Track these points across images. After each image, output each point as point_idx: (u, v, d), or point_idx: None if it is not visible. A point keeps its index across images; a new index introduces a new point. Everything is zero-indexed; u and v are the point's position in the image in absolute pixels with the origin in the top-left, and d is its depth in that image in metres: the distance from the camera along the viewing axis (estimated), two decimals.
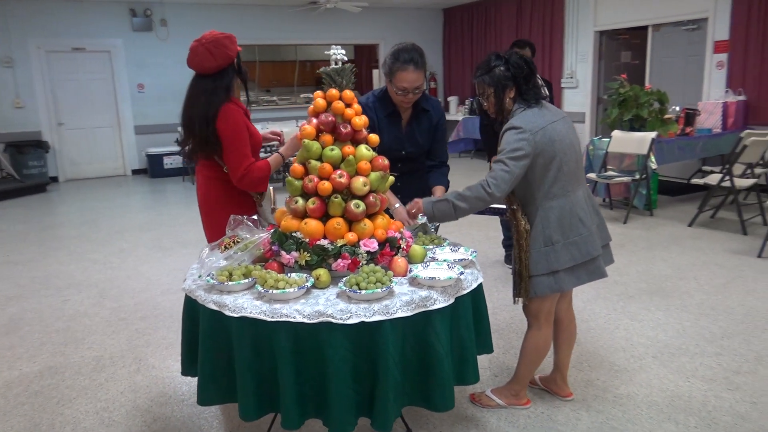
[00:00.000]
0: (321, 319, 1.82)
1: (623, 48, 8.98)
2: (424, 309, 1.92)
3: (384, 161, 2.19)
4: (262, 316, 1.84)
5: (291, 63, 13.91)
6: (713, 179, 5.47)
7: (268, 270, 2.02)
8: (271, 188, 2.79)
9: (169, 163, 9.82)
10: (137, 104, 9.86)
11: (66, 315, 3.87)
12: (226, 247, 2.12)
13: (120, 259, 5.11)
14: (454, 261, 2.17)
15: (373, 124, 2.59)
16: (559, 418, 2.55)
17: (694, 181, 5.83)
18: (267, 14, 10.43)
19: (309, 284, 1.94)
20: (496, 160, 2.21)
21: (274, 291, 1.88)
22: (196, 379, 2.84)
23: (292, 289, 1.89)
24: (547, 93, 3.81)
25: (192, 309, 2.11)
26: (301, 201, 2.11)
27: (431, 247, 2.34)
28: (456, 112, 11.26)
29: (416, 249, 2.22)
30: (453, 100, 11.37)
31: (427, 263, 2.14)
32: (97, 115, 9.71)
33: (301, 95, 12.10)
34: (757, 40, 6.61)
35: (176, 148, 9.64)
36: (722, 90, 7.02)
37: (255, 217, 2.63)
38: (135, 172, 10.13)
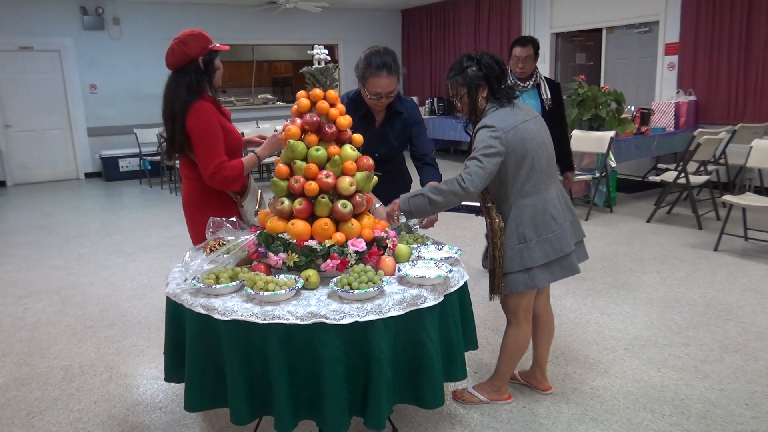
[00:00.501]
0: (314, 320, 1.81)
1: (578, 50, 9.23)
2: (415, 307, 1.93)
3: (369, 161, 2.19)
4: (253, 319, 1.82)
5: (248, 63, 13.73)
6: (669, 176, 5.68)
7: (257, 272, 1.99)
8: (259, 190, 2.76)
9: (124, 165, 9.55)
10: (90, 105, 9.54)
11: (28, 324, 3.72)
12: (211, 250, 2.08)
13: (80, 265, 4.94)
14: (440, 259, 2.19)
15: None
16: (541, 412, 2.60)
17: (651, 178, 6.04)
18: (224, 13, 10.27)
19: (299, 285, 1.92)
20: (471, 157, 2.25)
21: (265, 293, 1.85)
22: (172, 385, 2.82)
23: (282, 291, 1.87)
24: (548, 95, 3.69)
25: (176, 314, 2.06)
26: (287, 202, 2.09)
27: (416, 245, 2.35)
28: None
29: (402, 248, 2.23)
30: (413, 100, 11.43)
31: (415, 262, 2.15)
32: (48, 116, 9.35)
33: (259, 96, 11.96)
34: (706, 43, 6.90)
35: (132, 150, 9.39)
36: (674, 90, 7.30)
37: (234, 219, 2.61)
38: (88, 175, 9.80)
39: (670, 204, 6.06)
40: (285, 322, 1.80)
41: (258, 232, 2.13)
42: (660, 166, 6.96)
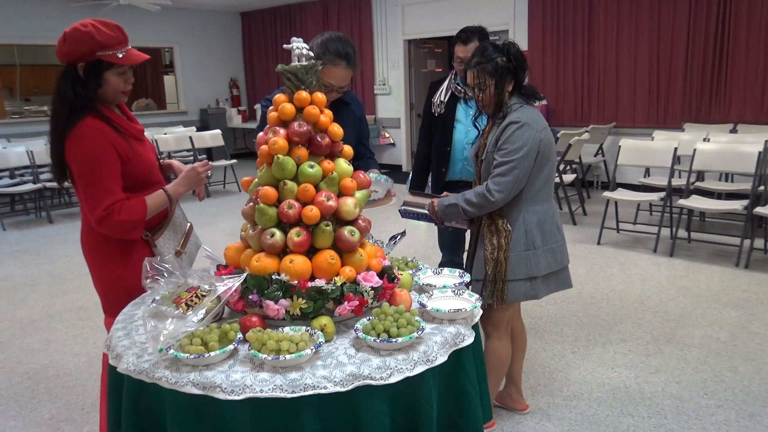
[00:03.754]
0: (357, 384, 1.42)
1: (429, 56, 9.46)
2: (455, 348, 1.63)
3: (366, 176, 1.83)
4: (278, 393, 1.37)
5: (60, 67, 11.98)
6: None
7: (259, 329, 1.53)
8: (187, 224, 2.22)
9: None
10: None
11: None
12: (188, 305, 1.56)
13: None
14: (454, 285, 1.90)
15: None
16: None
17: None
18: (35, 8, 8.81)
19: (321, 339, 1.51)
20: (499, 162, 2.03)
21: (287, 356, 1.42)
22: None
23: (308, 351, 1.45)
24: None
25: (143, 400, 1.52)
26: (279, 234, 1.66)
27: (412, 271, 2.04)
28: None
29: (404, 276, 1.91)
30: (259, 107, 10.87)
31: (431, 293, 1.84)
32: None
33: None
34: (553, 49, 7.43)
35: None
36: None
37: (170, 257, 2.08)
38: None
39: None
40: (323, 391, 1.39)
41: (241, 275, 1.66)
42: None
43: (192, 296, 1.56)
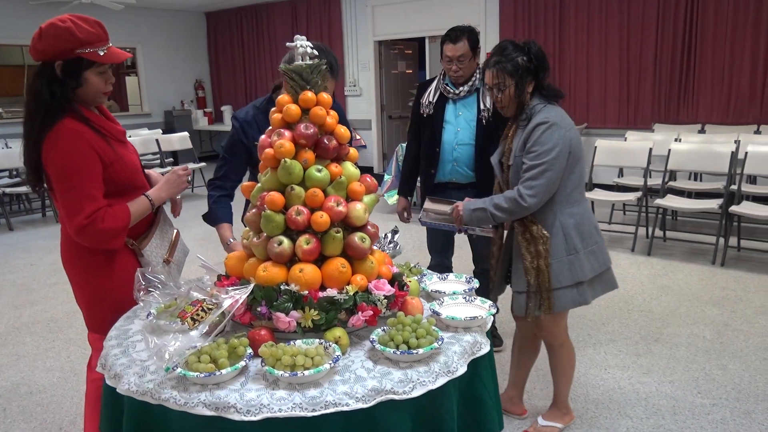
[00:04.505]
0: (380, 399, 1.35)
1: (399, 58, 9.43)
2: (473, 357, 1.58)
3: (372, 179, 1.76)
4: (298, 412, 1.29)
5: (17, 68, 11.50)
6: None
7: (271, 343, 1.44)
8: (174, 230, 2.11)
9: None
10: None
11: None
12: (194, 320, 1.46)
13: None
14: (465, 292, 1.85)
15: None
16: None
17: None
18: None
19: (338, 353, 1.43)
20: (530, 166, 1.96)
21: (304, 372, 1.34)
22: None
23: (326, 365, 1.37)
24: (488, 104, 2.97)
25: (147, 422, 1.41)
26: (287, 242, 1.57)
27: (417, 277, 1.98)
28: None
29: (412, 283, 1.84)
30: (226, 109, 10.68)
31: (442, 300, 1.78)
32: None
33: None
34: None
35: None
36: None
37: (162, 266, 1.98)
38: None
39: None
40: (345, 408, 1.31)
41: (247, 286, 1.56)
42: None
43: (197, 310, 1.47)
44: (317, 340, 1.49)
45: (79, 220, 1.74)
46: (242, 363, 1.39)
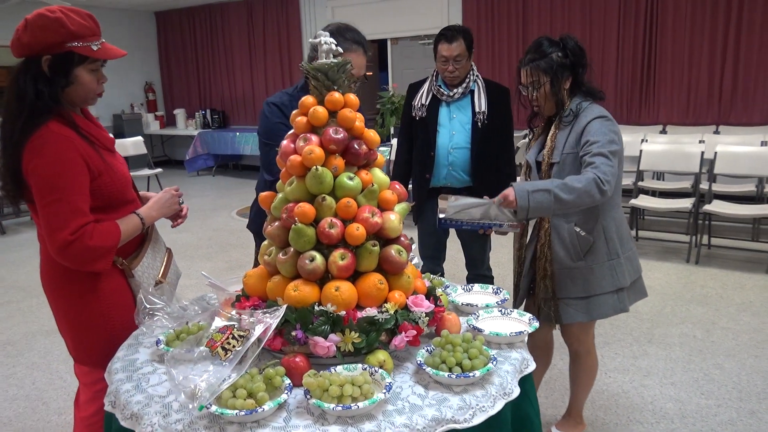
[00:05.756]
0: (441, 429, 1.23)
1: None
2: (521, 375, 1.48)
3: (401, 187, 1.64)
4: None
5: None
6: None
7: (314, 372, 1.29)
8: (166, 248, 1.93)
9: None
10: None
11: None
12: (224, 349, 1.29)
13: None
14: (497, 304, 1.75)
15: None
16: None
17: None
18: None
19: (388, 379, 1.30)
20: (595, 153, 1.82)
21: (358, 405, 1.20)
22: None
23: (380, 395, 1.24)
24: (484, 107, 2.85)
25: None
26: (319, 257, 1.43)
27: (440, 288, 1.86)
28: (186, 127, 10.21)
29: (442, 298, 1.72)
30: (180, 113, 10.29)
31: (477, 314, 1.67)
32: None
33: None
34: (488, 53, 7.50)
35: None
36: None
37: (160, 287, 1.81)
38: None
39: None
40: None
41: (277, 308, 1.41)
42: None
43: (227, 338, 1.30)
44: (360, 365, 1.36)
45: (63, 236, 1.54)
46: (284, 396, 1.24)
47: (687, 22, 6.18)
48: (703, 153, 4.70)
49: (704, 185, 4.80)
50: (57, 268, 1.68)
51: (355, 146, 1.51)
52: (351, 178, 1.48)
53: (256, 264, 1.93)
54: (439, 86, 2.91)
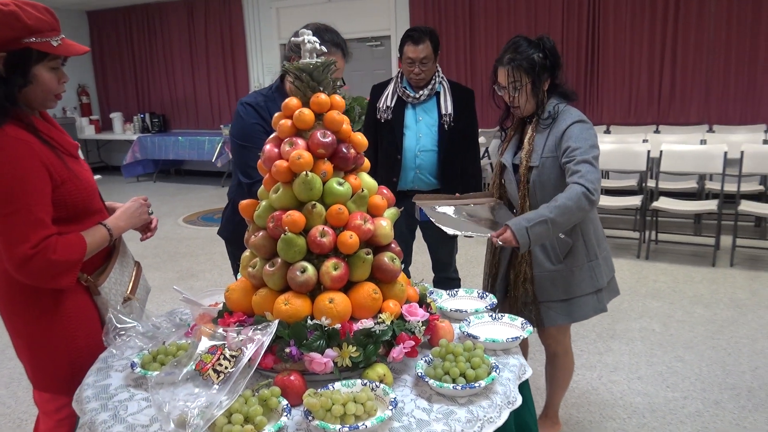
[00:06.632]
0: None
1: None
2: (520, 381, 1.45)
3: (389, 191, 1.58)
4: None
5: None
6: None
7: (313, 390, 1.21)
8: (134, 262, 1.80)
9: None
10: None
11: None
12: (216, 371, 1.19)
13: None
14: (486, 309, 1.71)
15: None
16: None
17: None
18: None
19: (392, 394, 1.24)
20: (579, 160, 1.82)
21: (366, 425, 1.13)
22: None
23: (386, 411, 1.17)
24: (450, 110, 2.85)
25: None
26: (311, 268, 1.35)
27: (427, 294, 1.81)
28: (123, 131, 9.78)
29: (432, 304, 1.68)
30: (116, 116, 9.83)
31: (469, 320, 1.63)
32: None
33: None
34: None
35: None
36: None
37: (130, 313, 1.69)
38: None
39: None
40: None
41: (268, 324, 1.32)
42: None
43: (218, 359, 1.20)
44: (359, 381, 1.29)
45: (23, 250, 1.40)
46: (283, 419, 1.16)
47: (627, 24, 6.40)
48: (649, 152, 4.86)
49: (650, 183, 4.97)
50: (15, 286, 1.53)
51: (344, 150, 1.44)
52: (341, 184, 1.41)
53: (235, 271, 1.83)
54: (405, 88, 2.87)
